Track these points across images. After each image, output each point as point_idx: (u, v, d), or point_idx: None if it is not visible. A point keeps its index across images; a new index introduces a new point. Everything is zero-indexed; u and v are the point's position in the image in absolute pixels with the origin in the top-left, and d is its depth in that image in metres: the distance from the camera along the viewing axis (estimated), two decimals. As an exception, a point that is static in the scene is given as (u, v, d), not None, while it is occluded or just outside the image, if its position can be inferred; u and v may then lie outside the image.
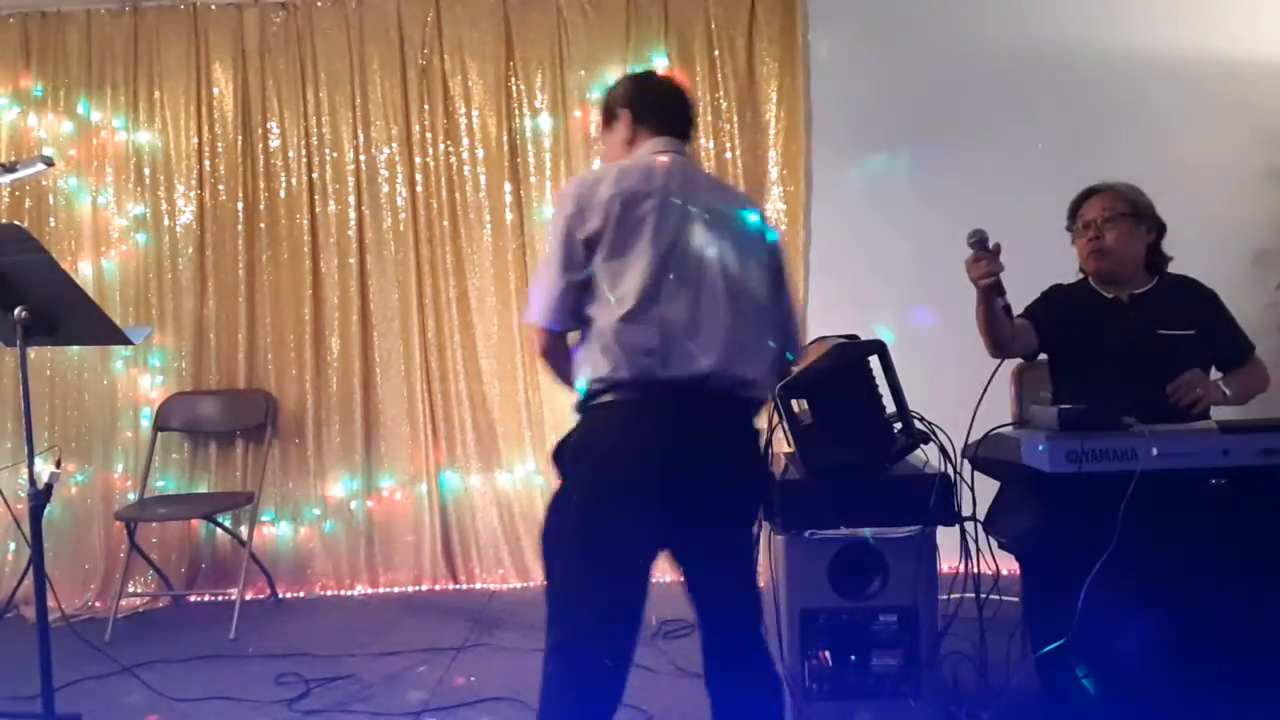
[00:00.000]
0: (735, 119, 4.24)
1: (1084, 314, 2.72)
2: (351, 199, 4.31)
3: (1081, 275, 2.81)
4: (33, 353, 2.50)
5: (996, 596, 2.42)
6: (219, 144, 4.33)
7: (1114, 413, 2.26)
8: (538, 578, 4.25)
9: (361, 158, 4.31)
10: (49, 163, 2.93)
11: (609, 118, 2.20)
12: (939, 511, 2.29)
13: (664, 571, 4.40)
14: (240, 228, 4.32)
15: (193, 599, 4.25)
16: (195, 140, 4.31)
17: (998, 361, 2.93)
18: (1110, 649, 2.21)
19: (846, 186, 4.23)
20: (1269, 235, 4.03)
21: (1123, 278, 2.71)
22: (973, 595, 2.33)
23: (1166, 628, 2.18)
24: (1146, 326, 2.64)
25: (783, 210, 4.26)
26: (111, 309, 4.17)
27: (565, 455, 1.96)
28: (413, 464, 4.33)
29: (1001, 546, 2.55)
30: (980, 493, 2.42)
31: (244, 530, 4.11)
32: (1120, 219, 2.66)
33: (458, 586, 4.30)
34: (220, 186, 4.33)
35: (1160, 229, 2.72)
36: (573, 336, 2.00)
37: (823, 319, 4.09)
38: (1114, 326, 2.67)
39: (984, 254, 2.42)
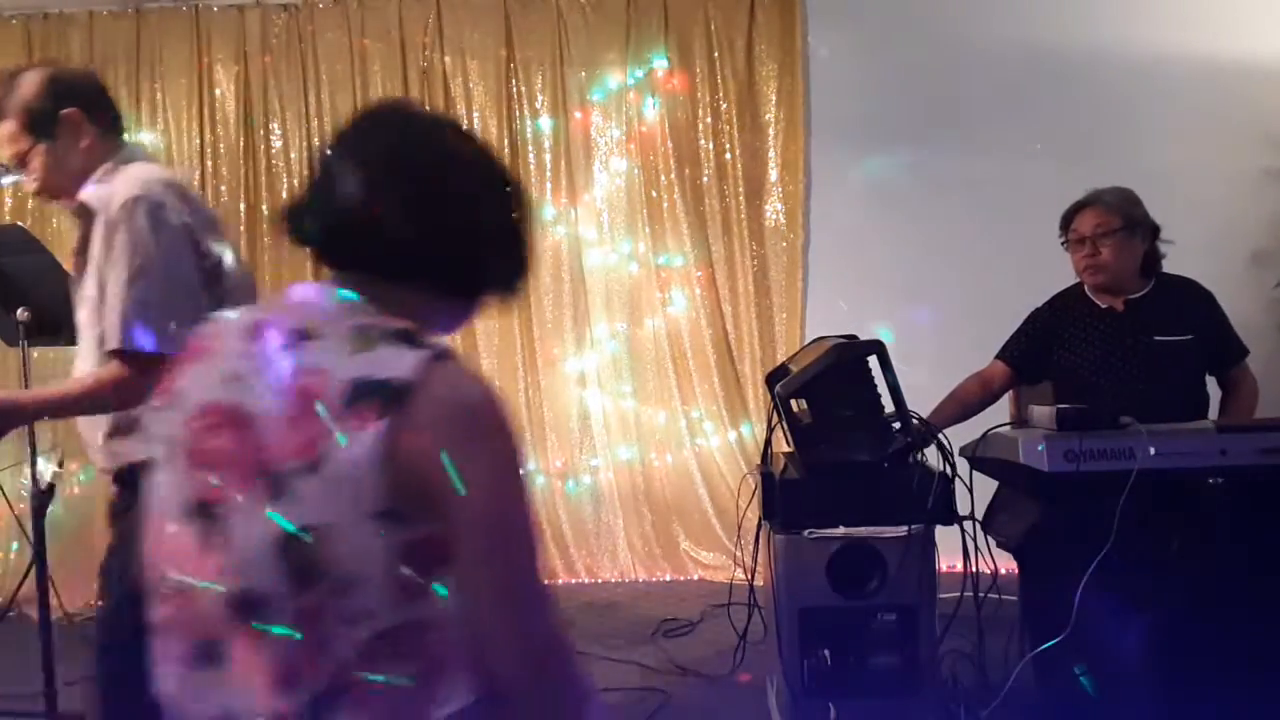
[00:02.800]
0: (735, 120, 4.25)
1: (1079, 325, 2.73)
2: (353, 200, 4.32)
3: (1076, 281, 2.81)
4: (35, 353, 2.51)
5: (995, 595, 2.43)
6: (221, 145, 4.34)
7: (1111, 412, 2.27)
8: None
9: (363, 159, 4.32)
10: (52, 164, 2.93)
11: (44, 128, 1.83)
12: (938, 511, 2.30)
13: (664, 571, 4.42)
14: (242, 228, 4.33)
15: (194, 598, 4.26)
16: (197, 141, 4.32)
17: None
18: (1108, 647, 2.22)
19: (846, 187, 4.24)
20: (1267, 235, 4.03)
21: (1120, 288, 2.71)
22: (971, 594, 2.34)
23: (1164, 626, 2.19)
24: (1143, 334, 2.64)
25: (782, 211, 4.27)
26: (113, 309, 4.18)
27: None
28: (414, 464, 4.34)
29: (1000, 545, 2.55)
30: (978, 492, 2.44)
31: (245, 530, 4.12)
32: (1114, 234, 2.63)
33: (458, 586, 4.31)
34: (222, 187, 4.34)
35: (1154, 232, 2.71)
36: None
37: (822, 319, 4.10)
38: (1110, 336, 2.67)
39: None
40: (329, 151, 1.04)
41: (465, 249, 1.04)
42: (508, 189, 1.08)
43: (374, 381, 0.90)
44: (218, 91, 4.33)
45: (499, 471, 0.95)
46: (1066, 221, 2.74)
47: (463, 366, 0.97)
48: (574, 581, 4.25)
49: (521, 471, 0.97)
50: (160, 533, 0.98)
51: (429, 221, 1.00)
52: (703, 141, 4.27)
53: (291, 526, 0.89)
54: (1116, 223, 2.63)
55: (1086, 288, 2.76)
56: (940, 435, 2.42)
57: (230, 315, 1.05)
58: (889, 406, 2.44)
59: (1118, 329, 2.67)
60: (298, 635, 0.90)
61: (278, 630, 0.90)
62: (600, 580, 4.25)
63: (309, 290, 1.03)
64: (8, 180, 2.71)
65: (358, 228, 0.99)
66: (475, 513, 0.92)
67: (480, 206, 1.04)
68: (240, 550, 0.91)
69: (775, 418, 2.50)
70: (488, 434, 0.95)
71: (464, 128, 1.12)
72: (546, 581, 1.01)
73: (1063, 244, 2.76)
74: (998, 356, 2.86)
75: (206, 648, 0.95)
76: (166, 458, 1.00)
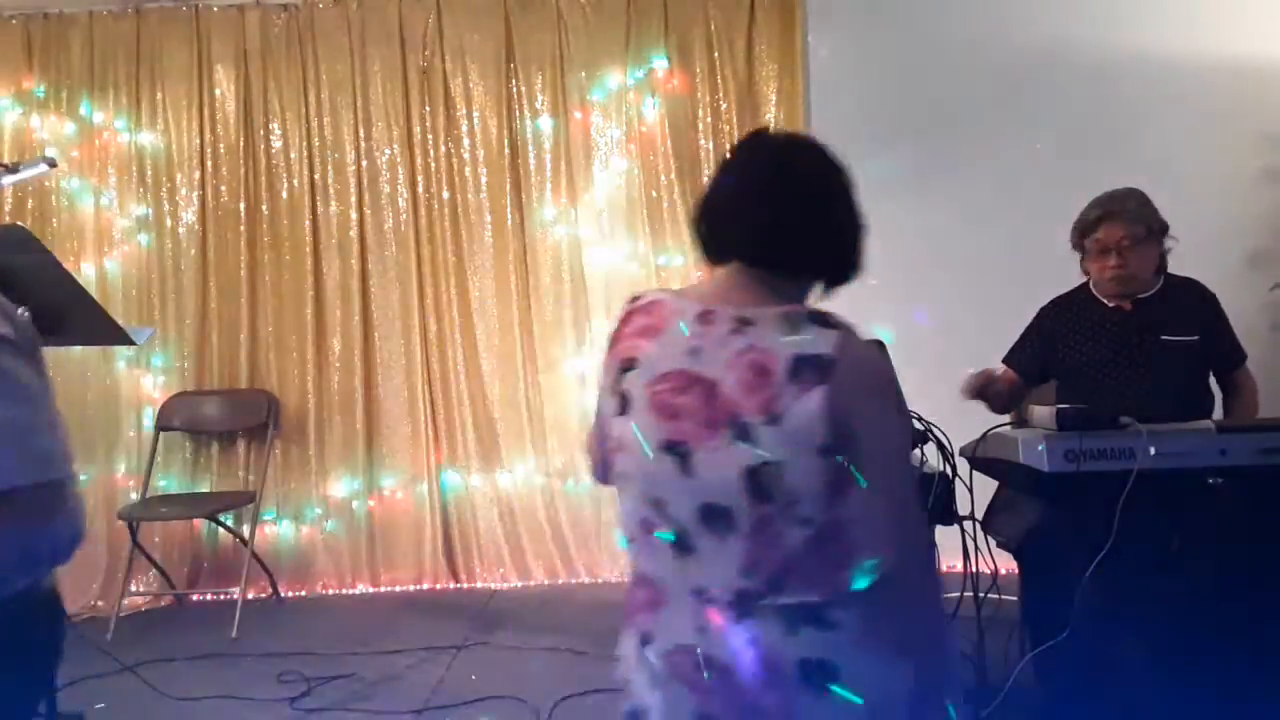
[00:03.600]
0: (735, 120, 4.24)
1: (1086, 325, 2.71)
2: (353, 200, 4.32)
3: (1081, 282, 2.80)
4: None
5: (995, 595, 2.44)
6: (221, 145, 4.34)
7: (1113, 412, 2.27)
8: (538, 576, 4.27)
9: (364, 161, 4.32)
10: (51, 164, 2.94)
11: None
12: (938, 511, 2.30)
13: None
14: (242, 228, 4.33)
15: (195, 598, 4.26)
16: (197, 141, 4.32)
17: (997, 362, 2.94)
18: (1108, 647, 2.22)
19: (846, 187, 4.23)
20: (1264, 236, 4.03)
21: (1136, 290, 2.70)
22: (971, 594, 2.34)
23: (1164, 626, 2.19)
24: (1151, 333, 2.63)
25: (782, 211, 4.27)
26: (114, 309, 4.18)
27: None
28: (414, 463, 4.34)
29: (1000, 545, 2.56)
30: (979, 492, 2.44)
31: (246, 529, 4.12)
32: (1141, 244, 2.63)
33: (458, 585, 4.31)
34: (222, 187, 4.34)
35: (1164, 231, 2.71)
36: None
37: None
38: (1118, 335, 2.66)
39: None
40: (733, 177, 1.37)
41: (836, 252, 1.38)
42: (858, 207, 1.38)
43: (809, 356, 1.22)
44: (218, 91, 4.33)
45: (892, 417, 1.30)
46: (1086, 231, 2.71)
47: (862, 337, 1.28)
48: (574, 581, 4.24)
49: (905, 415, 1.34)
50: (638, 464, 1.32)
51: (817, 232, 1.34)
52: (703, 141, 4.27)
53: (757, 460, 1.22)
54: (1141, 233, 2.64)
55: (1093, 288, 2.75)
56: (940, 435, 2.42)
57: (672, 299, 1.35)
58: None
59: (1125, 328, 2.66)
60: (755, 537, 1.24)
61: (738, 533, 1.24)
62: (600, 580, 4.25)
63: (724, 283, 1.34)
64: (8, 180, 2.72)
65: (768, 236, 1.32)
66: (876, 446, 1.24)
67: (848, 221, 1.38)
68: (709, 477, 1.25)
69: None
70: (885, 390, 1.29)
71: (831, 153, 1.43)
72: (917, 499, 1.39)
73: (1075, 250, 2.75)
74: (1004, 361, 2.86)
75: (683, 542, 1.29)
76: (630, 409, 1.32)
